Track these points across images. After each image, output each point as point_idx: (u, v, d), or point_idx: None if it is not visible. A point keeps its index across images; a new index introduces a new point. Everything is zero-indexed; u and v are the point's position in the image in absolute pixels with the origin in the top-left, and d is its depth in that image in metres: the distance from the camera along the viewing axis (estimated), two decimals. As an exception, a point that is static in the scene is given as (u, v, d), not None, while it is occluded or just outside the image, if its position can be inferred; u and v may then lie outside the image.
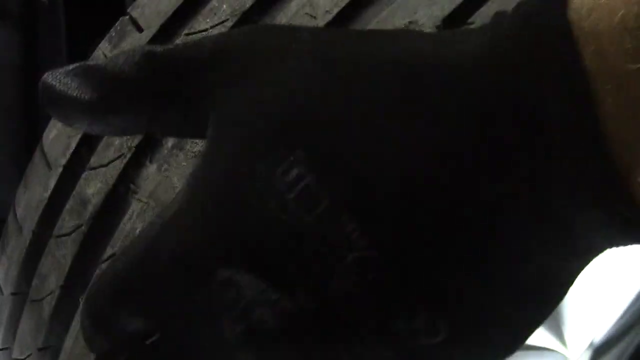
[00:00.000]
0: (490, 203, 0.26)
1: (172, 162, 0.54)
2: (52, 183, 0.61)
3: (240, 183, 0.26)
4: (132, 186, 0.56)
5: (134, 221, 0.54)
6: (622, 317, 0.96)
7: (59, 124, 0.64)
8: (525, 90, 0.25)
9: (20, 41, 0.88)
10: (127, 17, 0.64)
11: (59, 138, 0.62)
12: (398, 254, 0.26)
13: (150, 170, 0.55)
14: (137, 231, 0.54)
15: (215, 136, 0.27)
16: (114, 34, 0.64)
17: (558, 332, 0.91)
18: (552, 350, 0.88)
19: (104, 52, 0.64)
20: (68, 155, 0.61)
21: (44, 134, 0.65)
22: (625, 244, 0.28)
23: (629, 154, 0.24)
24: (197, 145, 0.53)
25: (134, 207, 0.55)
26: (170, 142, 0.55)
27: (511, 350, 0.29)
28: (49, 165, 0.62)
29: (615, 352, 1.00)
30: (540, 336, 0.86)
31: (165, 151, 0.55)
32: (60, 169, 0.61)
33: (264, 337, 0.26)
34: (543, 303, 0.29)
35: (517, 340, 0.29)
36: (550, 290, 0.29)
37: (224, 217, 0.26)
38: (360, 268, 0.27)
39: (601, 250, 0.28)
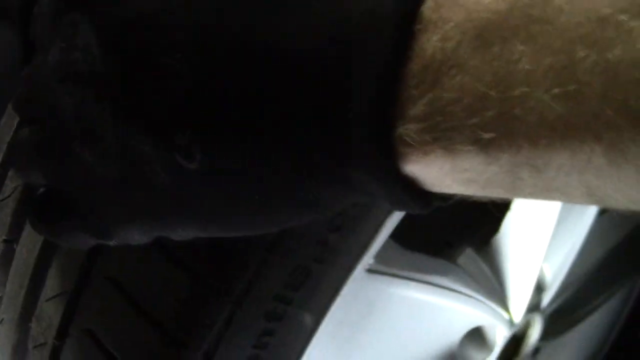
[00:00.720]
0: None
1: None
2: (-1, 158, 0.72)
3: None
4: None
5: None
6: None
7: (9, 110, 0.75)
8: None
9: (20, 41, 0.93)
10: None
11: (7, 121, 0.74)
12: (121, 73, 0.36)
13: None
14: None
15: None
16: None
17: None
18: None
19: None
20: (11, 134, 0.72)
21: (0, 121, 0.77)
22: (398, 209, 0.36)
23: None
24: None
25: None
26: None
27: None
28: (-2, 145, 0.73)
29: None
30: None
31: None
32: (4, 146, 0.72)
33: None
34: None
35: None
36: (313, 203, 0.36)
37: None
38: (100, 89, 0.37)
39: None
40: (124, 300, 0.54)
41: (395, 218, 0.61)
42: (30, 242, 0.64)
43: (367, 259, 0.62)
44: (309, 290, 0.56)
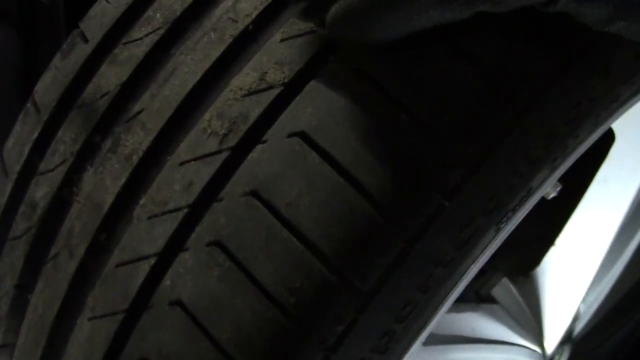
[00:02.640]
0: None
1: (106, 164, 0.57)
2: (8, 189, 0.64)
3: None
4: (74, 189, 0.59)
5: (73, 221, 0.57)
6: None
7: (17, 133, 0.68)
8: None
9: (20, 41, 0.89)
10: (78, 30, 0.68)
11: (15, 146, 0.66)
12: None
13: (89, 173, 0.58)
14: (76, 231, 0.57)
15: None
16: (65, 47, 0.68)
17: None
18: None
19: (55, 64, 0.67)
20: (21, 162, 0.64)
21: (5, 144, 0.69)
22: None
23: None
24: (127, 149, 0.55)
25: (74, 208, 0.58)
26: (106, 146, 0.58)
27: None
28: (6, 173, 0.66)
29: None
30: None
31: (102, 155, 0.58)
32: (15, 176, 0.64)
33: None
34: None
35: None
36: None
37: None
38: None
39: None
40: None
41: (458, 290, 0.55)
42: (47, 297, 0.57)
43: (425, 334, 0.56)
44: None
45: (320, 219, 0.45)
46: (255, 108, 0.50)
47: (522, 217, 0.57)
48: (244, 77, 0.52)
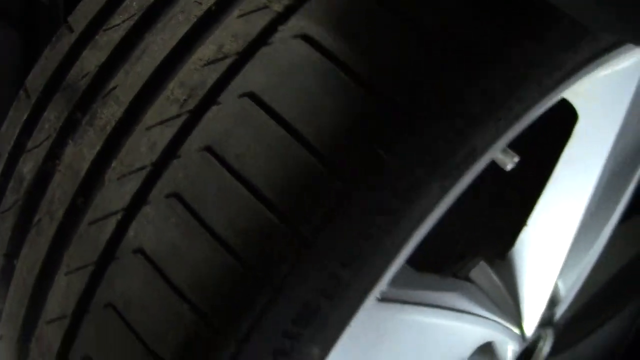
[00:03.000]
0: None
1: (84, 136, 0.61)
2: (0, 169, 0.70)
3: None
4: (57, 162, 0.64)
5: (55, 189, 0.62)
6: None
7: (9, 118, 0.73)
8: None
9: (20, 41, 0.93)
10: (66, 23, 0.74)
11: (7, 130, 0.72)
12: None
13: (70, 146, 0.63)
14: (56, 198, 0.61)
15: None
16: (54, 39, 0.74)
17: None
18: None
19: (45, 55, 0.73)
20: (12, 143, 0.69)
21: (0, 130, 0.75)
22: None
23: None
24: (102, 120, 0.60)
25: (56, 178, 0.63)
26: (85, 121, 0.63)
27: None
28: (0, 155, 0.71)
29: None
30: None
31: (81, 129, 0.63)
32: (6, 156, 0.70)
33: None
34: None
35: None
36: None
37: None
38: None
39: None
40: (125, 331, 0.52)
41: (416, 244, 0.59)
42: (30, 260, 0.62)
43: (379, 289, 0.59)
44: (318, 326, 0.53)
45: (265, 168, 0.49)
46: (212, 75, 0.54)
47: (472, 179, 0.60)
48: (205, 50, 0.57)
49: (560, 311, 0.97)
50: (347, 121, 0.49)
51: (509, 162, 0.69)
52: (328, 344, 0.57)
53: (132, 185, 0.54)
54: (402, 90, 0.49)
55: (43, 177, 0.64)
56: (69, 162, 0.62)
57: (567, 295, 0.97)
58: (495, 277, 0.89)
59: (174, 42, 0.59)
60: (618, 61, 0.72)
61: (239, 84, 0.53)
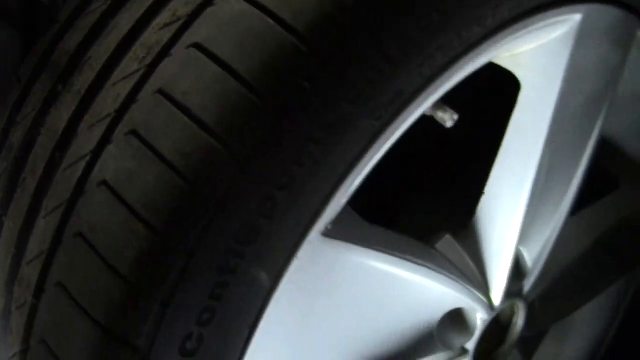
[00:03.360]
0: None
1: (63, 101, 0.70)
2: (-5, 144, 0.79)
3: None
4: (41, 129, 0.72)
5: (37, 150, 0.70)
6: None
7: (7, 104, 0.82)
8: None
9: (20, 41, 0.98)
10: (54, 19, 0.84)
11: (3, 113, 0.81)
12: None
13: (52, 113, 0.72)
14: (38, 156, 0.70)
15: None
16: (46, 33, 0.84)
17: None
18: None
19: (35, 47, 0.83)
20: (5, 120, 0.78)
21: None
22: None
23: None
24: (77, 86, 0.69)
25: (39, 140, 0.71)
26: (65, 90, 0.72)
27: None
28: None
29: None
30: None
31: (62, 97, 0.72)
32: (0, 132, 0.78)
33: None
34: None
35: None
36: None
37: None
38: None
39: None
40: (91, 254, 0.59)
41: (354, 183, 0.65)
42: (15, 213, 0.70)
43: (322, 223, 0.66)
44: (260, 246, 0.60)
45: (207, 102, 0.57)
46: (167, 35, 0.63)
47: (411, 125, 0.67)
48: (162, 16, 0.66)
49: (529, 284, 1.02)
50: (275, 59, 0.57)
51: (449, 120, 0.76)
52: (276, 272, 0.63)
53: (99, 130, 0.62)
54: (321, 31, 0.57)
55: (29, 143, 0.73)
56: (50, 126, 0.70)
57: (534, 267, 1.01)
58: (460, 248, 0.95)
59: (139, 15, 0.68)
60: (547, 29, 0.79)
61: (187, 38, 0.61)
